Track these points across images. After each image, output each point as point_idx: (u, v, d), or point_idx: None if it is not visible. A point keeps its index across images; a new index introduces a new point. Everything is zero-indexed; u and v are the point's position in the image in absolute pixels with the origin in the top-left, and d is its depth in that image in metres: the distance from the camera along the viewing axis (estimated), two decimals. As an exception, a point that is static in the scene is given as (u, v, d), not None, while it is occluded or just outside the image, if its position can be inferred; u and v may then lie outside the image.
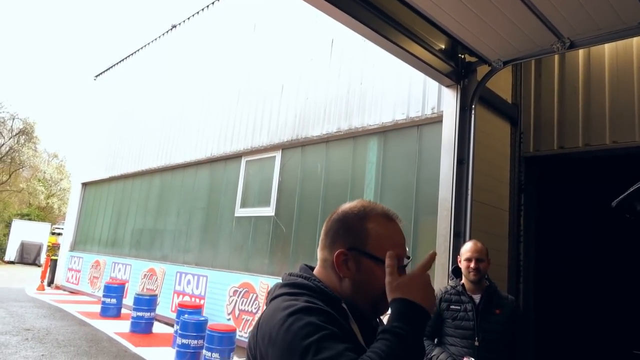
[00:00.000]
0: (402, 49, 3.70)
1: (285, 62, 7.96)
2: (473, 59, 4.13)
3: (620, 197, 2.09)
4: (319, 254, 1.22)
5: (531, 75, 5.02)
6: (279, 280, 1.24)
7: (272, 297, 1.15)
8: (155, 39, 12.41)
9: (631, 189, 2.05)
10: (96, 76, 15.43)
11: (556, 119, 4.73)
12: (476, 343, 2.88)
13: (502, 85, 4.96)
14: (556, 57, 4.84)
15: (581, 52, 4.65)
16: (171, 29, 11.75)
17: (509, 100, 5.03)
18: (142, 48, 13.00)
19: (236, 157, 8.60)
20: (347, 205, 1.23)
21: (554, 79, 4.85)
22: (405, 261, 1.18)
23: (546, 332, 5.22)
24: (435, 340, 3.08)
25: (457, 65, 4.16)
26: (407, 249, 1.25)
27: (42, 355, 6.16)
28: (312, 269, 1.24)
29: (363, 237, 1.15)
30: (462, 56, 4.16)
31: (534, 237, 4.86)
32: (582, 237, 5.84)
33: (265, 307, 1.15)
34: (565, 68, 4.81)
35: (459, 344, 2.93)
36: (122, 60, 13.93)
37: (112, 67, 14.53)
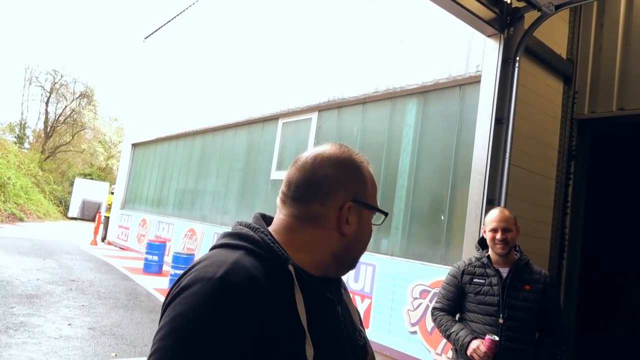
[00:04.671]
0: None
1: (322, 21, 7.59)
2: (520, 4, 3.62)
3: None
4: (291, 207, 0.97)
5: (591, 27, 4.40)
6: None
7: (212, 247, 0.96)
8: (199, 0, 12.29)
9: None
10: (145, 38, 15.61)
11: (617, 76, 4.14)
12: (500, 320, 2.58)
13: (556, 38, 4.40)
14: (622, 4, 4.20)
15: (653, -4, 4.01)
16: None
17: (564, 56, 4.47)
18: (187, 9, 12.93)
19: (273, 119, 8.43)
20: (329, 150, 0.99)
21: (617, 30, 4.22)
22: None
23: (590, 314, 4.78)
24: (457, 316, 2.80)
25: (501, 12, 3.67)
26: None
27: (83, 305, 6.42)
28: (269, 218, 1.03)
29: (362, 185, 0.99)
30: (509, 1, 3.67)
31: (583, 210, 4.37)
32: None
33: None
34: (632, 17, 4.16)
35: (481, 320, 2.63)
36: (169, 21, 13.95)
37: (160, 28, 14.61)
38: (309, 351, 0.82)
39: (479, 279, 2.68)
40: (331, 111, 7.16)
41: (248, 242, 0.91)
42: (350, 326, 1.01)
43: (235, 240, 0.93)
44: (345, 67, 6.89)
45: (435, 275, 4.74)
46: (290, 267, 0.89)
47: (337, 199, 0.95)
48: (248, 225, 0.97)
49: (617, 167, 5.13)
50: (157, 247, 9.88)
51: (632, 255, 5.25)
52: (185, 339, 0.76)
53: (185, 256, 8.34)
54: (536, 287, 2.61)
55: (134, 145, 14.96)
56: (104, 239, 15.18)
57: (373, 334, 5.24)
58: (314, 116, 7.45)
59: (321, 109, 7.31)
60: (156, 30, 14.84)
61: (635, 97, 4.07)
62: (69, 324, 5.38)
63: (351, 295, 1.22)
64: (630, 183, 5.28)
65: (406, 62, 5.91)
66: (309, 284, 0.91)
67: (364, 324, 1.13)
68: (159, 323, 0.82)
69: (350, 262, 1.01)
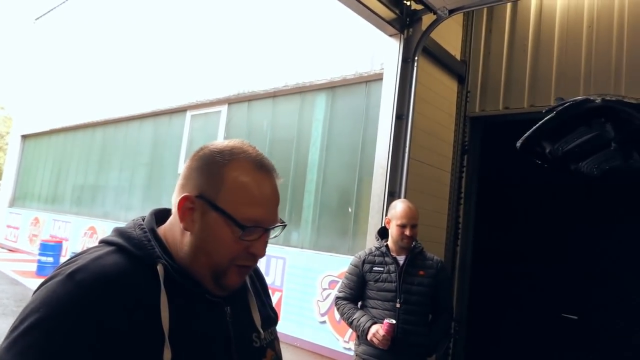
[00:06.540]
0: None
1: (232, 12, 7.46)
2: (419, 7, 3.85)
3: (526, 135, 1.82)
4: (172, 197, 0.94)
5: (482, 31, 4.79)
6: None
7: (99, 241, 0.94)
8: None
9: (538, 125, 1.79)
10: (37, 18, 14.24)
11: (503, 78, 4.56)
12: (398, 305, 2.73)
13: (451, 40, 4.72)
14: (508, 12, 4.62)
15: (533, 7, 4.44)
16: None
17: (458, 57, 4.81)
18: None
19: (181, 110, 8.14)
20: (217, 143, 0.93)
21: (504, 36, 4.64)
22: (269, 228, 0.90)
23: (481, 295, 5.23)
24: (360, 304, 2.92)
25: (401, 13, 3.87)
26: (277, 214, 0.93)
27: (-38, 315, 5.76)
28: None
29: (216, 184, 0.87)
30: (408, 3, 3.87)
31: (474, 200, 4.76)
32: (523, 201, 5.80)
33: None
34: (516, 24, 4.59)
35: (380, 306, 2.77)
36: (65, 1, 12.85)
37: (54, 8, 13.40)
38: (167, 354, 0.80)
39: (378, 267, 2.81)
40: (241, 104, 7.07)
41: (123, 238, 0.89)
42: (246, 327, 0.98)
43: (113, 236, 0.91)
44: (255, 60, 6.83)
45: (344, 265, 4.88)
46: (159, 267, 0.85)
47: (185, 190, 0.89)
48: (135, 222, 0.94)
49: (504, 161, 5.64)
50: (51, 248, 9.11)
51: (518, 240, 5.83)
52: (28, 330, 0.76)
53: (84, 256, 7.79)
54: (429, 272, 2.80)
55: (24, 137, 13.64)
56: (-12, 241, 13.69)
57: (284, 326, 5.29)
58: (224, 109, 7.31)
59: (231, 101, 7.19)
60: (50, 10, 13.59)
61: (517, 98, 4.50)
62: (-56, 336, 4.80)
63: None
64: (514, 176, 5.83)
65: (316, 57, 6.00)
66: (180, 284, 0.87)
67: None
68: None
69: (211, 273, 0.88)
